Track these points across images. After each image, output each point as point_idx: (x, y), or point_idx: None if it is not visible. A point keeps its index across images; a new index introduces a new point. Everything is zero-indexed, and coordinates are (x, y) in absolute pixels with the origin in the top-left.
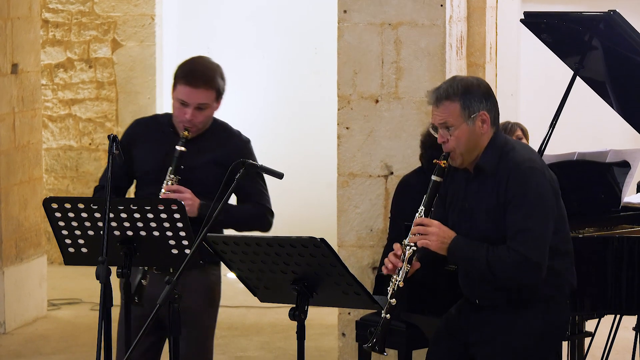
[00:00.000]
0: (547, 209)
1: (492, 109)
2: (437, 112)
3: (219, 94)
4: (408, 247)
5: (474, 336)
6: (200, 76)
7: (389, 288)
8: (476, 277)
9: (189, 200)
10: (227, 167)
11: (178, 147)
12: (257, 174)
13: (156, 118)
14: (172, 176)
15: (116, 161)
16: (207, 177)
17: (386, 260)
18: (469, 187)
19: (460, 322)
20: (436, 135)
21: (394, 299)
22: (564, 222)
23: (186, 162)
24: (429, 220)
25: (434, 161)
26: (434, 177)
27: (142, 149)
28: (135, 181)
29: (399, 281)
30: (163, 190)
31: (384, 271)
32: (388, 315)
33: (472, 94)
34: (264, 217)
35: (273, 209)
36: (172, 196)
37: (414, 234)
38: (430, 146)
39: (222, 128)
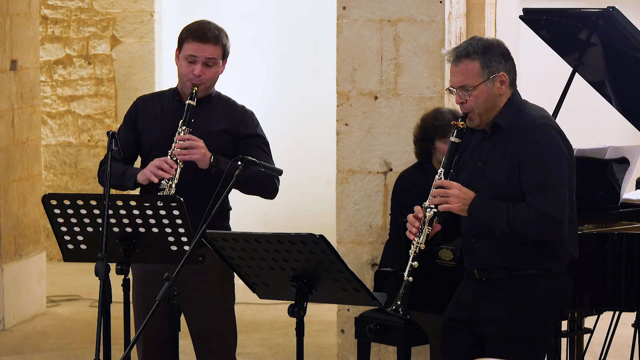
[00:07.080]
0: (563, 164)
1: (511, 70)
2: (455, 71)
3: (224, 52)
4: (428, 210)
5: (479, 314)
6: (208, 32)
7: (410, 251)
8: (498, 236)
9: (202, 149)
10: (232, 134)
11: (188, 101)
12: (263, 143)
13: (160, 92)
14: (184, 128)
15: (115, 157)
16: (211, 142)
17: (408, 224)
18: (483, 145)
19: (464, 302)
20: (453, 96)
21: (416, 262)
22: (573, 189)
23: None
24: (449, 182)
25: (452, 122)
26: (452, 139)
27: (147, 120)
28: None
29: (420, 244)
30: (175, 140)
31: (409, 236)
32: (411, 279)
33: (491, 53)
34: (271, 180)
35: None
36: (185, 144)
37: (434, 196)
38: (421, 139)
39: (224, 100)
